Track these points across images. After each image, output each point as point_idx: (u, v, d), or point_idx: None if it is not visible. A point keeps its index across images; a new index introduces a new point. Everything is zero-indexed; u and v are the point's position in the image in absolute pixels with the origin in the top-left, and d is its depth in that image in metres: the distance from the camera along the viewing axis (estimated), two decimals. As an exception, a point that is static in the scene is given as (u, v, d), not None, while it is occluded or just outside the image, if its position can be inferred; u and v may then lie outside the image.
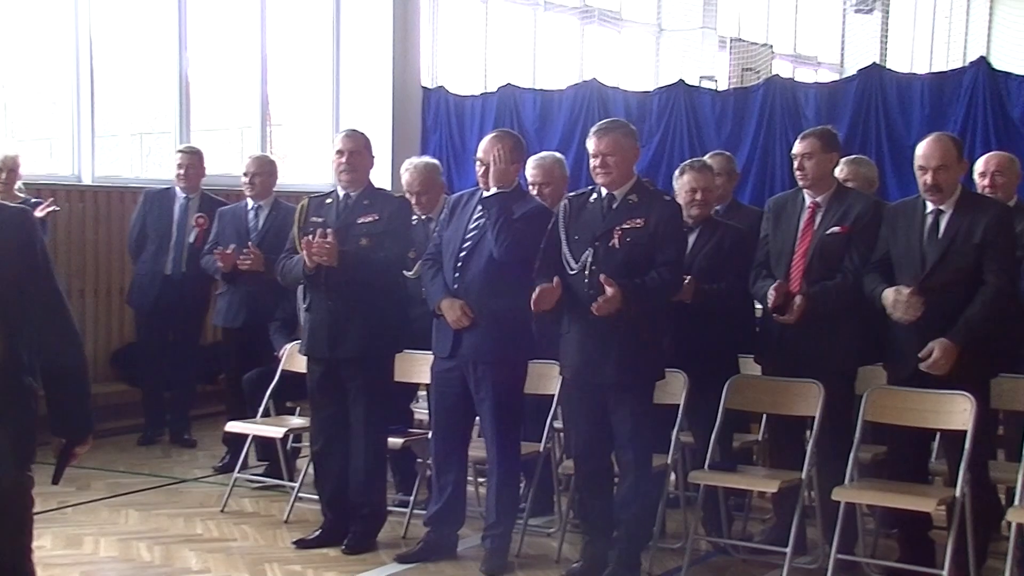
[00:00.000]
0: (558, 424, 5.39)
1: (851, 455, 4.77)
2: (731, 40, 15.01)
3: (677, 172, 5.44)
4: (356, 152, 5.26)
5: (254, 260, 6.45)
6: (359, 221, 5.18)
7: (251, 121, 9.61)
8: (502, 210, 4.88)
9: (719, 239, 5.30)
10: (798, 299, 4.93)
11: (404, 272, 5.47)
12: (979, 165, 5.50)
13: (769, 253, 5.18)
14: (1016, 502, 4.44)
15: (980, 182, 5.46)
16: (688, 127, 10.15)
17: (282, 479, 6.11)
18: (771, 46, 15.76)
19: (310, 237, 5.02)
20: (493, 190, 4.94)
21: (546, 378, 5.25)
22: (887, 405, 4.82)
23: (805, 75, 15.60)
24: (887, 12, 16.23)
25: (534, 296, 4.61)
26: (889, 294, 4.64)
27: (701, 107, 10.16)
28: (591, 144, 4.77)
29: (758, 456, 5.76)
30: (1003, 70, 8.45)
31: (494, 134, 5.08)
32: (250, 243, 6.57)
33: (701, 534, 5.27)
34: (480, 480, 5.75)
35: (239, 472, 6.10)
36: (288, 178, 8.07)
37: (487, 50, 12.72)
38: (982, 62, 8.53)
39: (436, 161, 6.26)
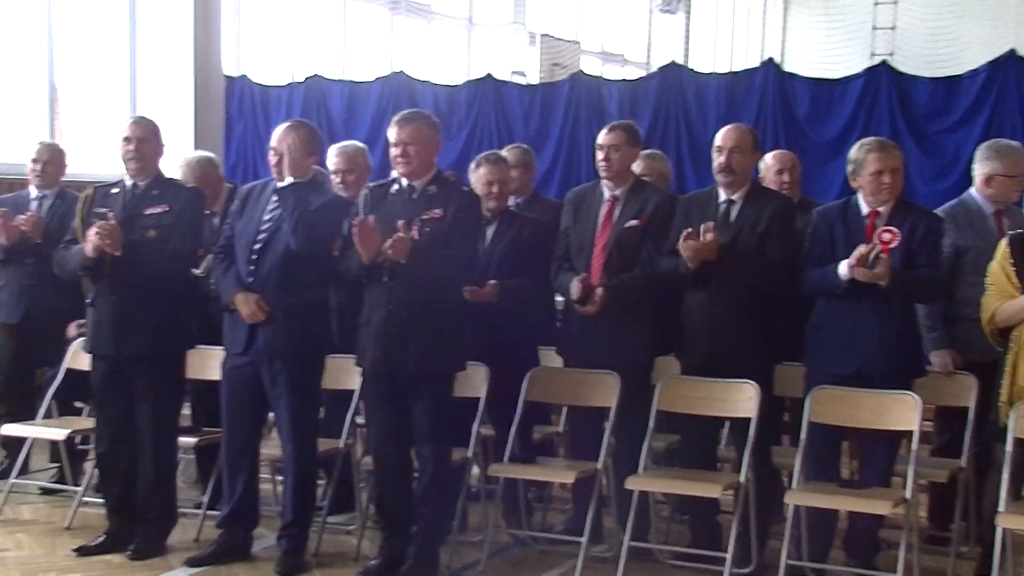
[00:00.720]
0: (360, 420, 5.31)
1: (644, 444, 4.88)
2: (541, 36, 15.19)
3: (473, 165, 5.45)
4: (144, 140, 5.05)
5: (31, 225, 5.97)
6: (147, 212, 4.97)
7: (38, 108, 9.12)
8: (299, 201, 4.78)
9: (517, 232, 5.34)
10: (599, 291, 5.00)
11: (192, 269, 5.28)
12: (775, 163, 5.71)
13: (569, 246, 5.25)
14: (793, 485, 4.62)
15: (778, 179, 5.67)
16: (496, 121, 10.21)
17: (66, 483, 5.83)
18: (579, 43, 16.05)
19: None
20: (288, 180, 4.83)
21: (345, 372, 5.17)
22: (679, 395, 4.96)
23: (613, 72, 15.97)
24: (689, 13, 16.81)
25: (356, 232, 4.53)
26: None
27: (509, 101, 10.25)
28: (392, 133, 4.74)
29: (560, 447, 5.83)
30: (790, 72, 8.86)
31: (288, 124, 4.98)
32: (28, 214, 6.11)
33: (502, 527, 5.30)
34: (278, 479, 5.62)
35: (18, 477, 5.76)
36: (79, 168, 7.68)
37: (294, 39, 12.47)
38: (771, 64, 8.91)
39: (211, 155, 6.09)
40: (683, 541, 5.13)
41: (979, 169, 5.26)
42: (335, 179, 5.61)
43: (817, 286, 4.80)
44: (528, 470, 5.06)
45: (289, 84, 11.05)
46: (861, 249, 4.55)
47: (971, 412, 4.93)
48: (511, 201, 5.77)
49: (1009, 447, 4.35)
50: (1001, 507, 4.28)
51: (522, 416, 5.13)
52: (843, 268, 4.62)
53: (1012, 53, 8.09)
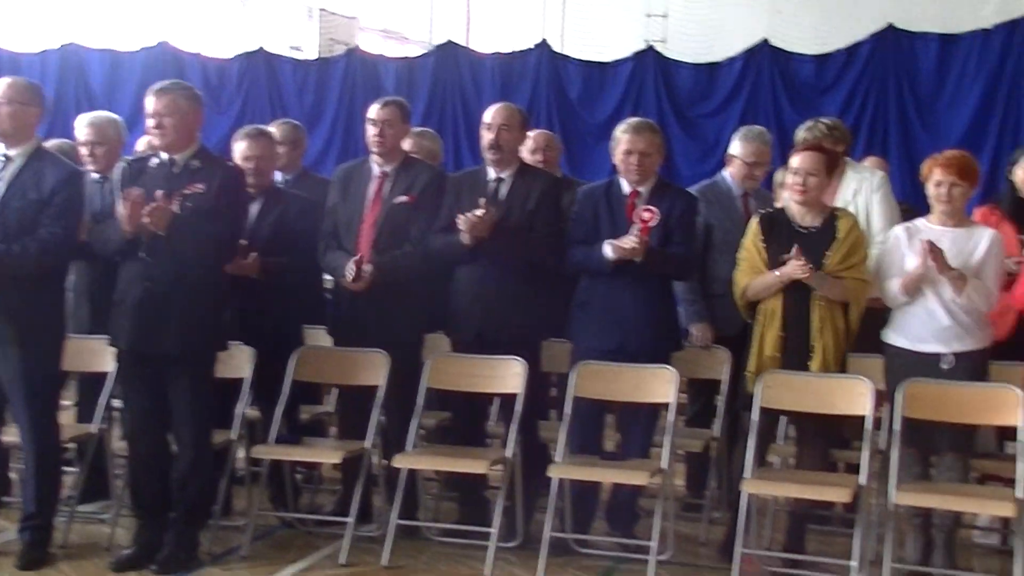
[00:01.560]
0: (118, 403, 5.07)
1: (413, 422, 4.87)
2: (319, 11, 14.87)
3: (233, 139, 5.27)
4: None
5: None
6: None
7: None
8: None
9: (283, 209, 5.22)
10: (367, 268, 4.95)
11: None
12: (530, 142, 5.79)
13: (337, 223, 5.17)
14: (557, 459, 4.72)
15: (532, 159, 5.75)
16: (270, 95, 9.97)
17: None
18: (357, 19, 15.80)
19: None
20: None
21: (98, 354, 4.92)
22: (448, 372, 4.97)
23: (393, 50, 15.81)
24: (470, -9, 16.86)
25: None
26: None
27: (283, 76, 10.02)
28: (148, 103, 4.55)
29: (330, 427, 5.75)
30: (562, 54, 9.04)
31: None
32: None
33: (268, 509, 5.18)
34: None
35: None
36: None
37: (49, 2, 11.73)
38: (544, 45, 9.06)
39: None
40: (452, 518, 5.16)
41: (732, 153, 5.50)
42: (83, 151, 5.32)
43: (583, 266, 4.90)
44: (294, 451, 4.97)
45: (43, 51, 10.40)
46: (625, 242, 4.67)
47: (724, 383, 5.16)
48: (279, 177, 5.64)
49: (755, 416, 4.57)
50: (747, 474, 4.49)
51: (289, 397, 5.03)
52: (607, 249, 4.74)
53: (765, 43, 8.50)
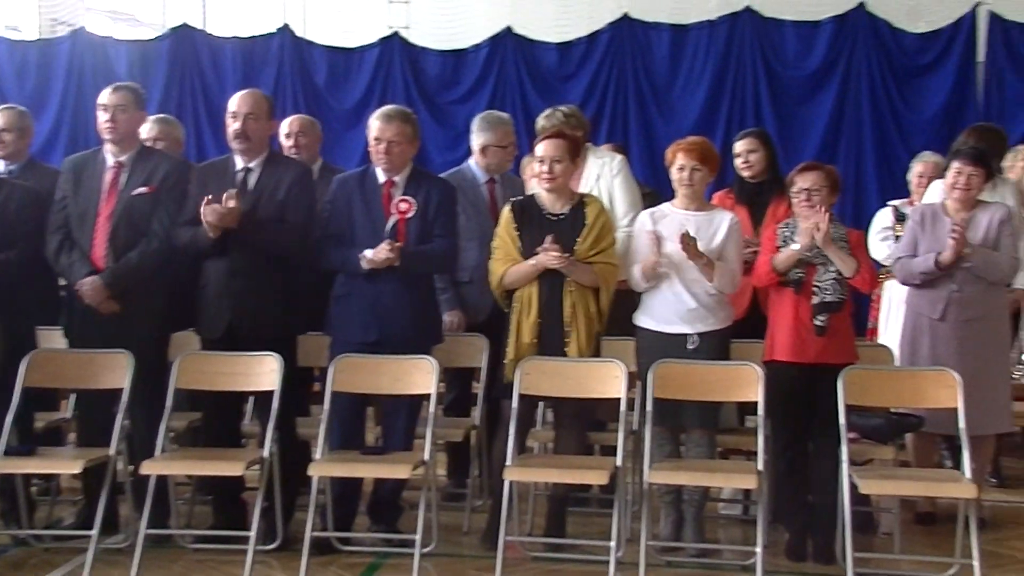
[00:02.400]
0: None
1: (161, 425, 4.62)
2: (38, -11, 13.91)
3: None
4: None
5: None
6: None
7: None
8: None
9: (4, 200, 4.83)
10: (91, 282, 4.73)
11: None
12: (284, 127, 5.63)
13: (69, 217, 4.84)
14: (317, 456, 4.60)
15: (285, 143, 5.60)
16: (-14, 78, 9.22)
17: None
18: (83, -1, 14.91)
19: None
20: None
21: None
22: (198, 371, 4.75)
23: (124, 32, 15.01)
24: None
25: None
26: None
27: (-2, 58, 9.29)
28: None
29: (69, 435, 5.39)
30: (307, 39, 8.82)
31: None
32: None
33: None
34: None
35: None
36: None
37: None
38: (287, 30, 8.82)
39: None
40: (207, 523, 4.93)
41: (474, 140, 5.52)
42: None
43: (338, 268, 4.82)
44: (26, 463, 4.61)
45: None
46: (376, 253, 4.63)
47: (483, 372, 5.18)
48: (2, 167, 5.23)
49: (515, 403, 4.61)
50: (508, 461, 4.52)
51: (21, 404, 4.66)
52: (363, 261, 4.67)
53: (509, 30, 8.60)
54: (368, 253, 4.67)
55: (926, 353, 5.08)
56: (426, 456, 4.57)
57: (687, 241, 4.63)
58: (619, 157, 5.81)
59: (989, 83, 7.93)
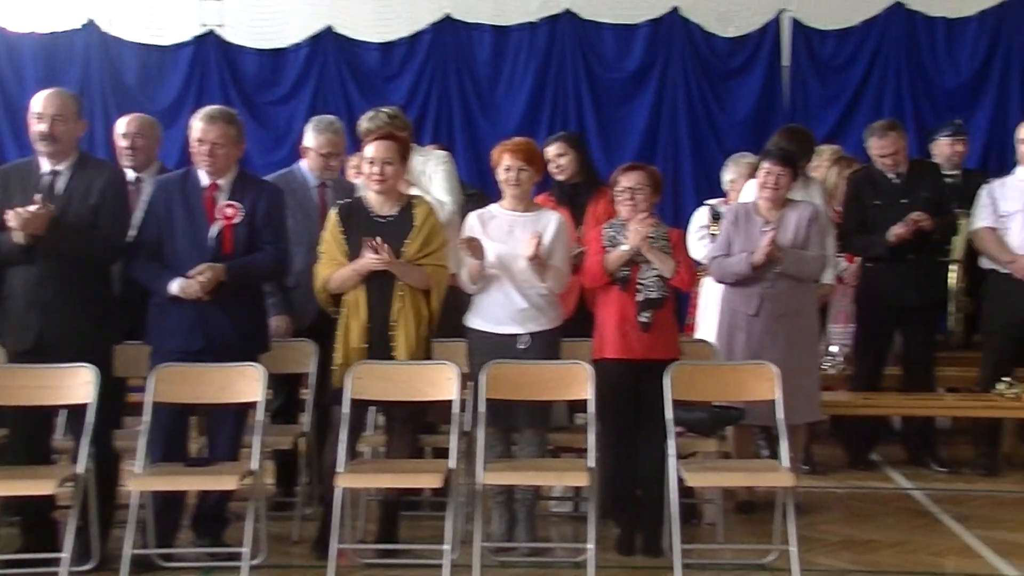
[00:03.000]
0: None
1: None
2: None
3: None
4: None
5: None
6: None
7: None
8: None
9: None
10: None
11: None
12: (120, 126, 5.43)
13: None
14: (137, 470, 4.40)
15: (121, 143, 5.37)
16: None
17: None
18: None
19: None
20: None
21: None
22: (4, 386, 4.49)
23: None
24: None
25: None
26: None
27: None
28: None
29: None
30: (115, 36, 8.43)
31: None
32: None
33: None
34: None
35: None
36: None
37: None
38: (93, 26, 8.41)
39: None
40: (14, 546, 4.65)
41: (306, 143, 5.40)
42: None
43: (147, 284, 4.64)
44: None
45: None
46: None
47: (312, 377, 5.08)
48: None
49: (345, 408, 4.53)
50: (339, 468, 4.44)
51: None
52: (174, 288, 4.51)
53: (329, 29, 8.46)
54: (175, 287, 4.50)
55: (742, 348, 5.25)
56: (254, 466, 4.44)
57: (537, 242, 4.65)
58: (442, 152, 5.83)
59: (794, 86, 8.27)
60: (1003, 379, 5.77)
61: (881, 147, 6.14)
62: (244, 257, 4.62)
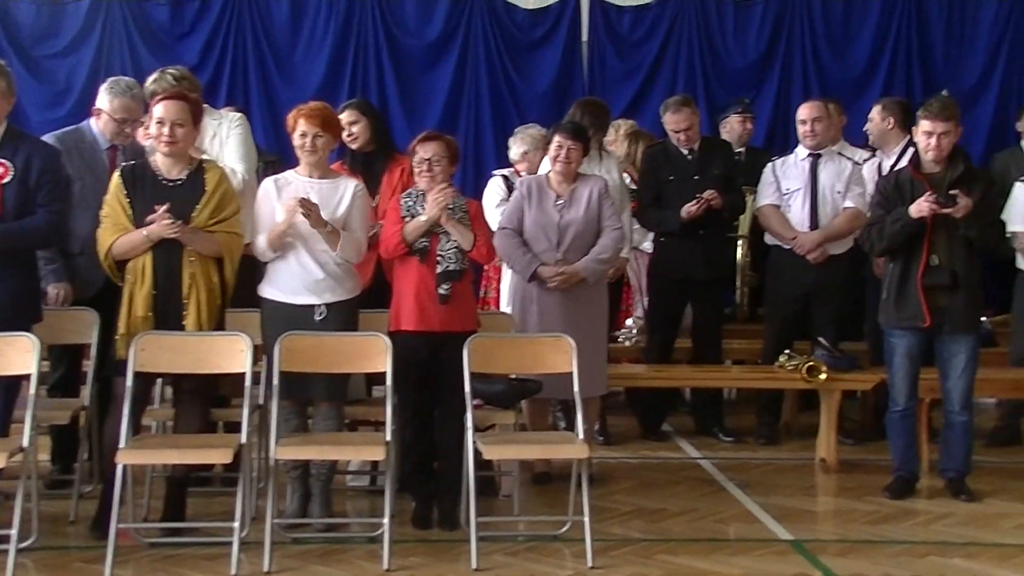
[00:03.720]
0: None
1: None
2: None
3: None
4: None
5: None
6: None
7: None
8: None
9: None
10: None
11: None
12: None
13: None
14: None
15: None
16: None
17: None
18: None
19: None
20: None
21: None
22: None
23: None
24: None
25: None
26: None
27: None
28: None
29: None
30: None
31: None
32: None
33: None
34: None
35: None
36: None
37: None
38: None
39: None
40: None
41: (98, 106, 5.08)
42: None
43: None
44: None
45: None
46: None
47: (93, 348, 4.81)
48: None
49: (129, 381, 4.30)
50: (121, 443, 4.22)
51: None
52: None
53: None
54: None
55: (535, 320, 5.28)
56: (25, 442, 4.16)
57: (306, 207, 4.50)
58: (238, 115, 5.61)
59: (593, 60, 8.36)
60: (784, 352, 6.01)
61: (676, 122, 6.27)
62: (15, 221, 4.31)
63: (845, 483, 5.57)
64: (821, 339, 5.95)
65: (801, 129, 6.28)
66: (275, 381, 4.43)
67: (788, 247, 6.23)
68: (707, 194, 6.12)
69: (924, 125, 5.10)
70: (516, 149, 6.48)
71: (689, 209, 6.13)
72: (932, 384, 5.34)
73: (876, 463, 5.72)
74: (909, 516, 5.01)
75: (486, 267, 6.31)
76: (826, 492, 5.54)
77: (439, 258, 4.78)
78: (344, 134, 5.50)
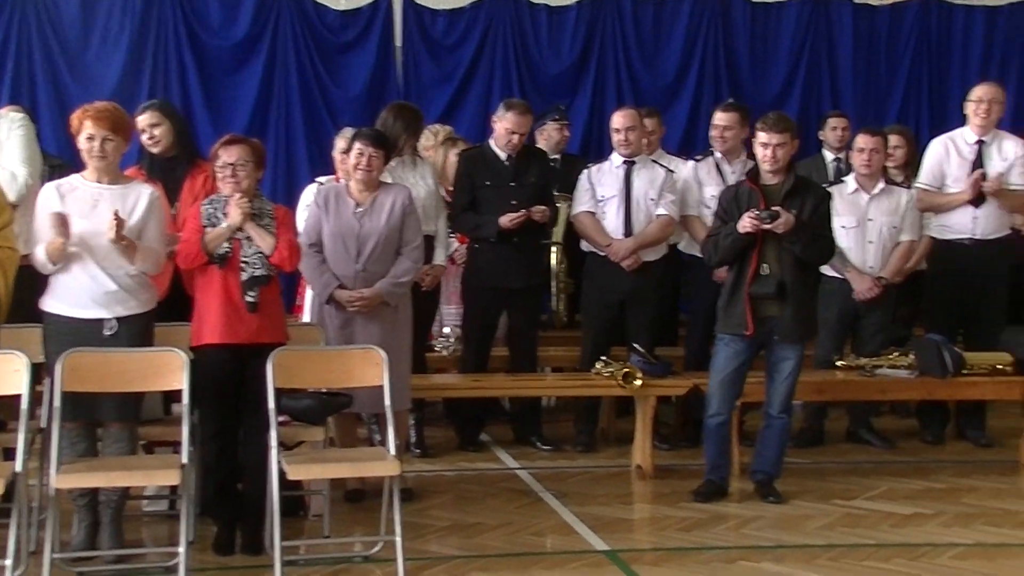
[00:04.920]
0: None
1: None
2: None
3: None
4: None
5: None
6: None
7: None
8: None
9: None
10: None
11: None
12: None
13: None
14: None
15: None
16: None
17: None
18: None
19: None
20: None
21: None
22: None
23: None
24: None
25: None
26: None
27: None
28: None
29: None
30: None
31: None
32: None
33: None
34: None
35: None
36: None
37: None
38: None
39: None
40: None
41: None
42: None
43: None
44: None
45: None
46: None
47: None
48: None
49: None
50: None
51: None
52: None
53: None
54: None
55: (335, 331, 5.08)
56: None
57: (118, 222, 4.19)
58: (20, 115, 5.23)
59: (407, 64, 8.20)
60: (601, 358, 5.98)
61: (518, 125, 6.14)
62: None
63: (660, 489, 5.56)
64: (636, 345, 5.95)
65: (615, 137, 6.27)
66: (56, 403, 4.08)
67: (603, 254, 6.20)
68: (536, 213, 6.04)
69: (761, 137, 5.20)
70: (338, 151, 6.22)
71: (513, 219, 6.03)
72: (749, 388, 5.40)
73: (691, 468, 5.75)
74: (721, 521, 5.04)
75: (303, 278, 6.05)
76: (642, 499, 5.52)
77: (243, 264, 4.54)
78: (144, 137, 5.21)
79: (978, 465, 6.09)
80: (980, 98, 6.45)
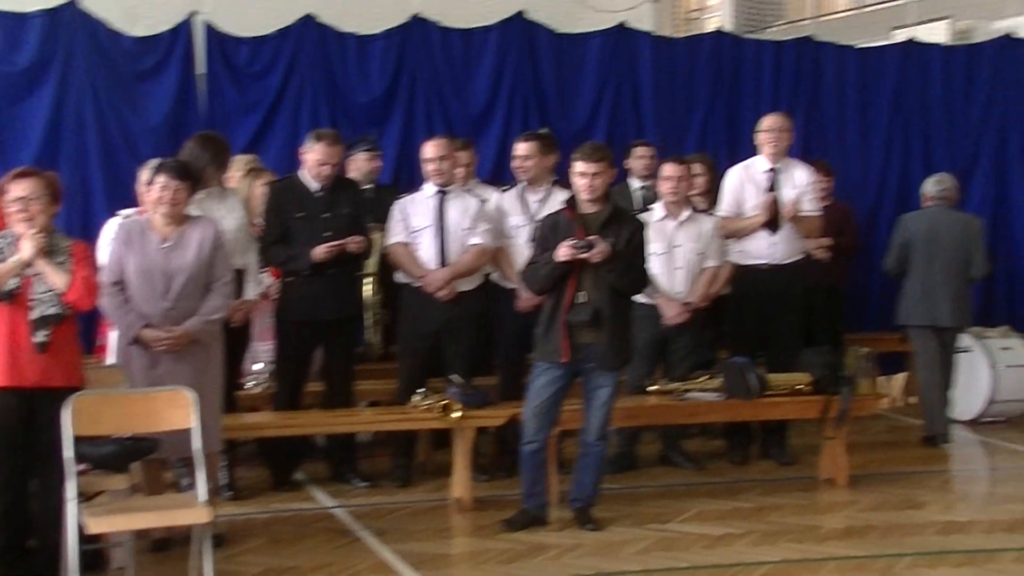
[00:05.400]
0: None
1: None
2: None
3: None
4: None
5: None
6: None
7: None
8: None
9: None
10: None
11: None
12: None
13: None
14: None
15: None
16: None
17: None
18: None
19: None
20: None
21: None
22: None
23: None
24: None
25: None
26: None
27: None
28: None
29: None
30: None
31: None
32: None
33: None
34: None
35: None
36: None
37: None
38: None
39: None
40: None
41: None
42: None
43: None
44: None
45: None
46: None
47: None
48: None
49: None
50: None
51: None
52: None
53: None
54: None
55: (141, 372, 4.86)
56: None
57: None
58: None
59: (212, 92, 7.90)
60: (418, 390, 5.90)
61: (329, 155, 6.02)
62: None
63: (480, 521, 5.52)
64: (453, 377, 5.89)
65: (428, 167, 6.22)
66: None
67: (418, 285, 6.14)
68: (351, 244, 5.92)
69: (578, 167, 5.29)
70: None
71: (325, 250, 5.90)
72: (566, 416, 5.42)
73: (509, 498, 5.72)
74: (541, 551, 5.03)
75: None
76: (462, 532, 5.47)
77: (33, 302, 4.28)
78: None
79: (782, 483, 6.32)
80: (770, 127, 6.78)
